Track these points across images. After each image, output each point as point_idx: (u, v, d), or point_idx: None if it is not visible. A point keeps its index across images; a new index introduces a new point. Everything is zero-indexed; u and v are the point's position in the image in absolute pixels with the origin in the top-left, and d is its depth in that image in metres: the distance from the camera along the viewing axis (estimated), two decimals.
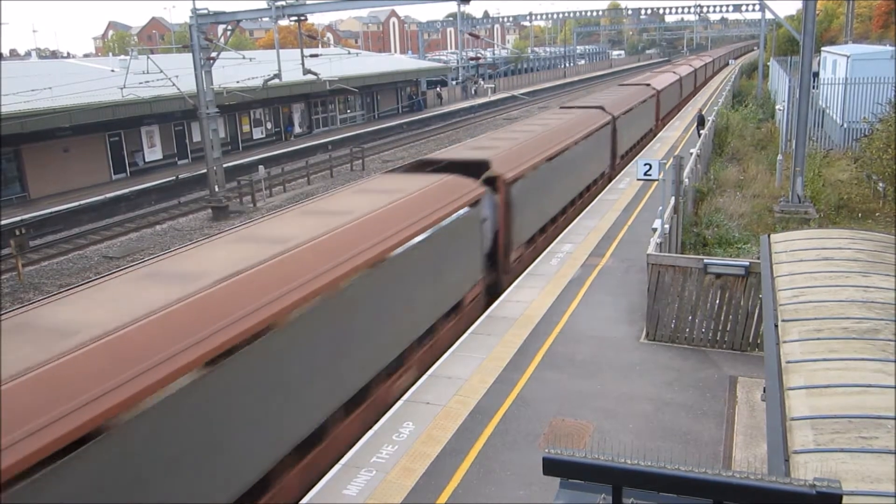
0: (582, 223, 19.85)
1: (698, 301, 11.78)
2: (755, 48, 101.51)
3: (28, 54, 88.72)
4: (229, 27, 31.40)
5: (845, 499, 2.87)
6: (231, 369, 7.42)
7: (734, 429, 9.40)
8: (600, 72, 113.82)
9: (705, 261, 11.79)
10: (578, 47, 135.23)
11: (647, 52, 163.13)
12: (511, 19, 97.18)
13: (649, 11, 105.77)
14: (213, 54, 28.93)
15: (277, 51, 28.43)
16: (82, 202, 29.93)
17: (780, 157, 26.78)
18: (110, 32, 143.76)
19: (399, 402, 10.31)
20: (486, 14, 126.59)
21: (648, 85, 38.05)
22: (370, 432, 9.52)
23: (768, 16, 58.81)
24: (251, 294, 8.08)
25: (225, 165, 31.35)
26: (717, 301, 11.69)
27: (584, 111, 25.06)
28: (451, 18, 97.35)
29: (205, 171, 30.97)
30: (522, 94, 63.03)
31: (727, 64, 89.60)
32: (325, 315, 9.05)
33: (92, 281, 8.38)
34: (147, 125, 36.81)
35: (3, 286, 21.75)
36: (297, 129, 48.88)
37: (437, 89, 70.12)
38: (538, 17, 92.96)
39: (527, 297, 14.23)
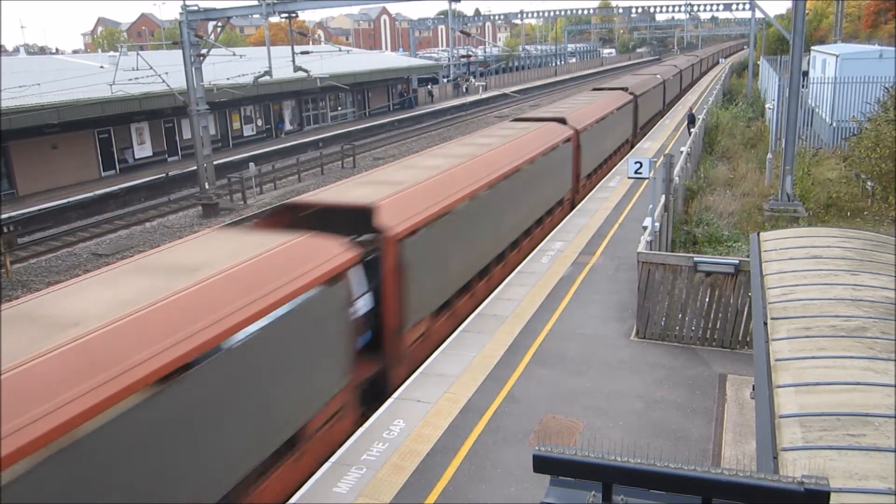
0: (573, 221, 19.90)
1: (688, 299, 11.82)
2: (745, 47, 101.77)
3: (16, 50, 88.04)
4: (220, 24, 31.21)
5: (833, 496, 2.88)
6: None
7: (723, 426, 9.45)
8: (591, 70, 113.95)
9: (695, 259, 11.83)
10: (569, 45, 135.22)
11: (638, 50, 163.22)
12: (502, 17, 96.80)
13: (640, 10, 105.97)
14: (204, 51, 28.76)
15: (268, 48, 28.32)
16: (71, 199, 29.72)
17: (769, 155, 26.88)
18: (99, 29, 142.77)
19: (389, 400, 10.31)
20: (477, 12, 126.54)
21: (563, 120, 21.92)
22: (360, 430, 9.51)
23: (758, 15, 58.86)
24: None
25: (215, 162, 31.19)
26: (707, 299, 11.74)
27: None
28: (442, 16, 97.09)
29: (195, 168, 30.82)
30: (513, 92, 63.02)
31: (717, 62, 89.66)
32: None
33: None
34: (137, 122, 36.55)
35: None
36: (288, 127, 48.68)
37: (429, 87, 69.94)
38: (529, 14, 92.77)
39: (518, 295, 14.24)
